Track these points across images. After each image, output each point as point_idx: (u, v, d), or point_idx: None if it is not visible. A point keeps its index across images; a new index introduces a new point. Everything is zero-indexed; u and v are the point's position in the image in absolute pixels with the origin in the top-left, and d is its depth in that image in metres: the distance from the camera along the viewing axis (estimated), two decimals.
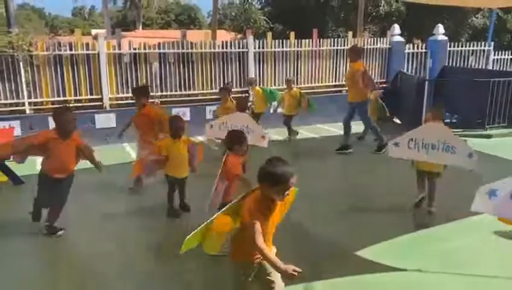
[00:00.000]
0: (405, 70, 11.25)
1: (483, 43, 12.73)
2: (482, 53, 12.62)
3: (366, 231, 4.74)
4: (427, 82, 10.23)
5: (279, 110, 8.94)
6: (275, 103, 8.85)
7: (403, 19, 19.71)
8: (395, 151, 5.05)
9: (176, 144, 4.93)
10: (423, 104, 10.14)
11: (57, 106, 8.35)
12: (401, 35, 11.52)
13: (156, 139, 5.42)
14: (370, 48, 11.11)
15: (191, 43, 9.66)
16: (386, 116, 8.52)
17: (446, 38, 11.76)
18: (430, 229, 4.74)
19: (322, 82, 10.80)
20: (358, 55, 7.74)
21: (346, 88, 10.88)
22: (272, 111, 8.93)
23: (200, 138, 9.01)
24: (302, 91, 8.95)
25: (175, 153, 4.92)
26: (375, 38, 11.57)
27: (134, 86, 8.64)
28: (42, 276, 3.94)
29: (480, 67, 12.47)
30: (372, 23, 20.35)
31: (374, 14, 20.17)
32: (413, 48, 11.61)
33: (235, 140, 4.02)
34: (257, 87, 8.84)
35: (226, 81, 9.66)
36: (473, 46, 12.45)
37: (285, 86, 8.98)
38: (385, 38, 11.44)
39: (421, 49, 11.68)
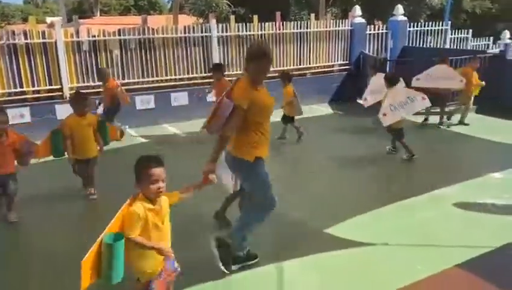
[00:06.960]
0: (367, 52, 11.41)
1: (440, 23, 13.07)
2: (439, 33, 12.97)
3: (333, 209, 4.81)
4: (388, 62, 10.43)
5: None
6: None
7: (363, 1, 19.86)
8: None
9: (80, 122, 4.86)
10: None
11: (14, 98, 8.07)
12: (362, 16, 11.64)
13: None
14: (332, 30, 11.20)
15: (152, 28, 9.44)
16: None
17: (405, 18, 11.98)
18: (397, 204, 4.88)
19: (285, 66, 10.80)
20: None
21: (311, 72, 11.12)
22: None
23: (166, 125, 8.94)
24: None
25: (79, 132, 4.86)
26: (337, 21, 11.64)
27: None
28: None
29: (438, 46, 12.82)
30: (334, 5, 20.45)
31: None
32: (374, 29, 11.77)
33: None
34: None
35: (188, 66, 9.47)
36: (431, 26, 12.77)
37: None
38: (347, 20, 11.54)
39: (382, 30, 11.86)
